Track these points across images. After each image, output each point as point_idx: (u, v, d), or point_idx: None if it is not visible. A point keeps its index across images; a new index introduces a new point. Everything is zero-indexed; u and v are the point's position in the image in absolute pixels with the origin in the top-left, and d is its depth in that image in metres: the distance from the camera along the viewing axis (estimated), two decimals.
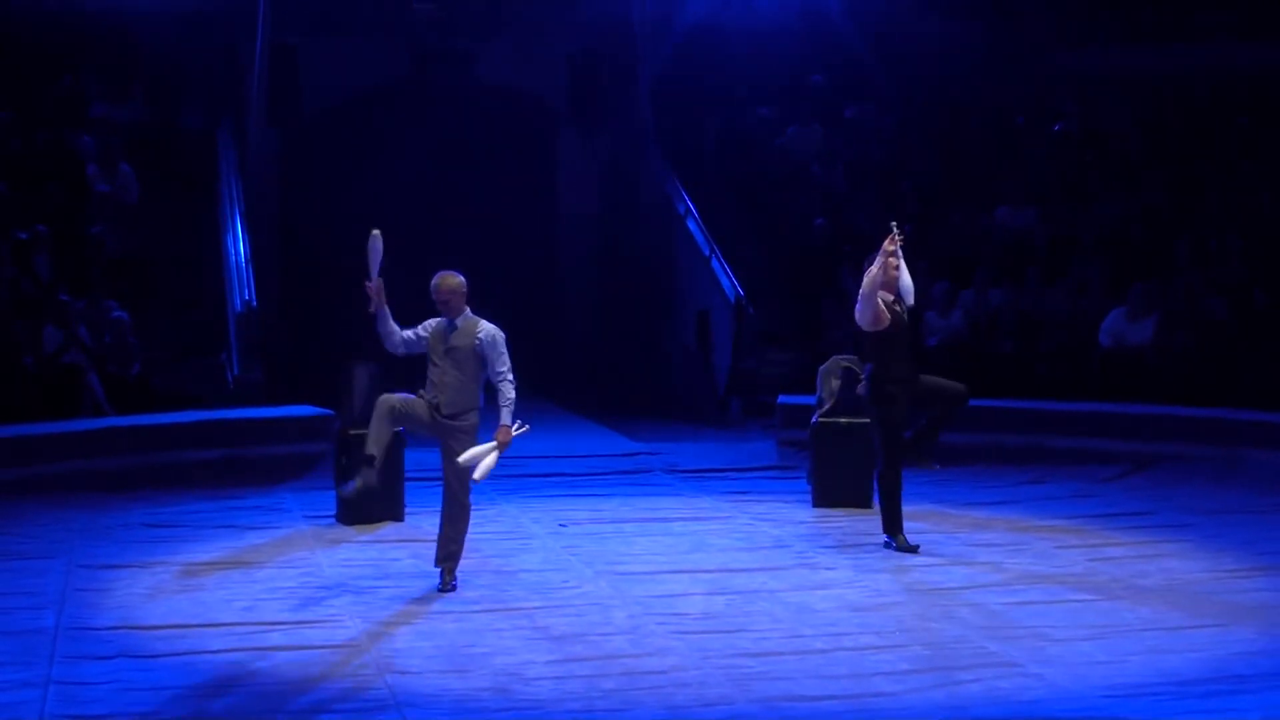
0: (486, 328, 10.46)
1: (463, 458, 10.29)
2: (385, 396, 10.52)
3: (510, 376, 10.41)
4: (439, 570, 10.63)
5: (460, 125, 22.22)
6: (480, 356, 10.40)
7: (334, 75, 21.94)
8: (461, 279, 10.58)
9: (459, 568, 10.71)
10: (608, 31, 22.27)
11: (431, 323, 10.60)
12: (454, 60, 22.29)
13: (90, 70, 20.65)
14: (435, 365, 10.47)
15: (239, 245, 18.09)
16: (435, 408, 10.41)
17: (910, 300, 11.97)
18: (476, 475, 10.31)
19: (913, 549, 11.77)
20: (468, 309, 10.53)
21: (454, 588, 10.54)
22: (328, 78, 21.90)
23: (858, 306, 11.74)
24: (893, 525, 11.91)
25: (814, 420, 13.98)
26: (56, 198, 18.28)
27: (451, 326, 10.47)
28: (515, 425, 10.40)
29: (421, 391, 10.52)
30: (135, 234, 18.52)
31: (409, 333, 10.59)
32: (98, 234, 17.90)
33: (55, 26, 20.37)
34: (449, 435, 10.42)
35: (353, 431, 13.00)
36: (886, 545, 11.90)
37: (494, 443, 10.32)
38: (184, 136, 20.57)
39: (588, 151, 23.11)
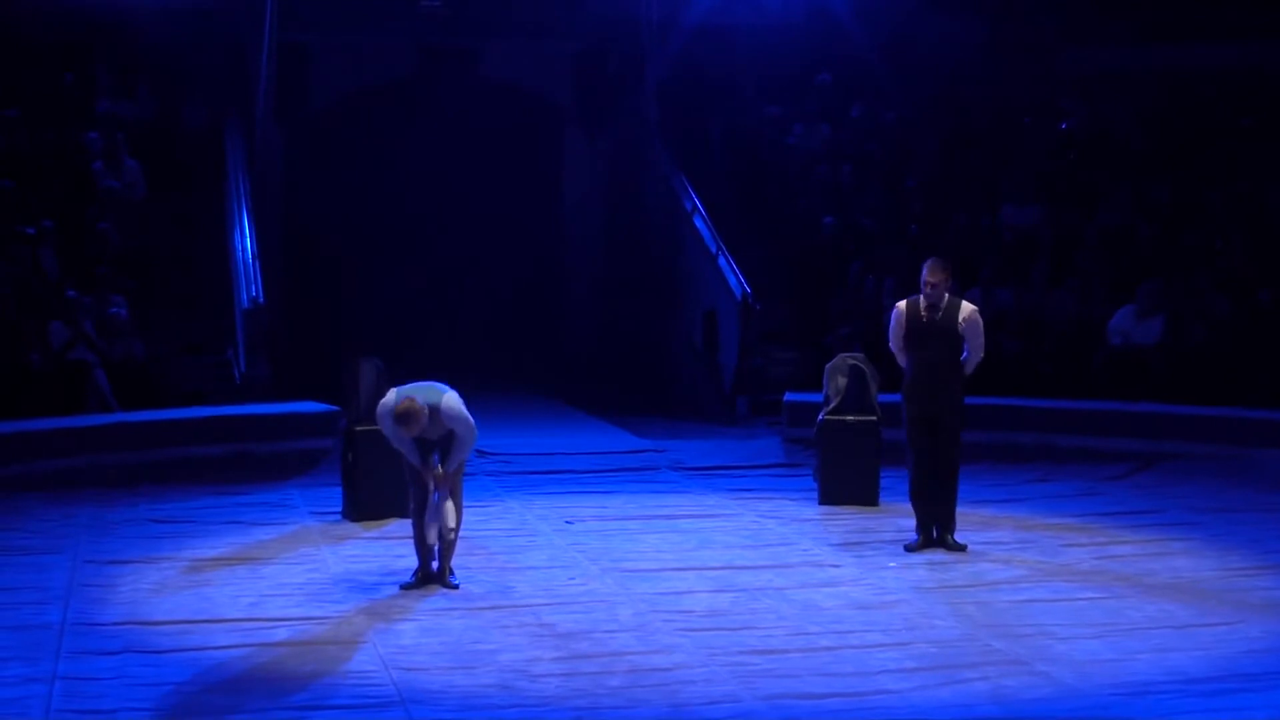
0: (452, 409, 10.28)
1: (449, 522, 10.37)
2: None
3: (474, 433, 10.40)
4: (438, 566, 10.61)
5: (466, 123, 22.24)
6: (450, 442, 10.36)
7: (340, 72, 21.98)
8: (420, 404, 10.23)
9: (464, 564, 10.68)
10: (614, 29, 22.28)
11: (392, 431, 10.35)
12: (460, 58, 22.31)
13: (97, 67, 20.66)
14: (424, 447, 10.42)
15: (245, 242, 18.10)
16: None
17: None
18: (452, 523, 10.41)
19: (914, 548, 11.78)
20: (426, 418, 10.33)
21: (455, 585, 10.51)
22: (334, 75, 21.94)
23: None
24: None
25: (820, 418, 13.96)
26: (62, 194, 18.29)
27: (424, 440, 10.39)
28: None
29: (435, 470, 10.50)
30: (142, 230, 18.53)
31: (403, 449, 10.47)
32: (104, 230, 17.91)
33: (62, 23, 20.39)
34: (446, 444, 10.43)
35: (359, 428, 13.01)
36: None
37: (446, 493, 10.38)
38: (190, 133, 20.59)
39: (593, 149, 23.14)
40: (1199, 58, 22.17)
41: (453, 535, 10.56)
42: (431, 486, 10.42)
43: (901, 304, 11.95)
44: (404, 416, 10.22)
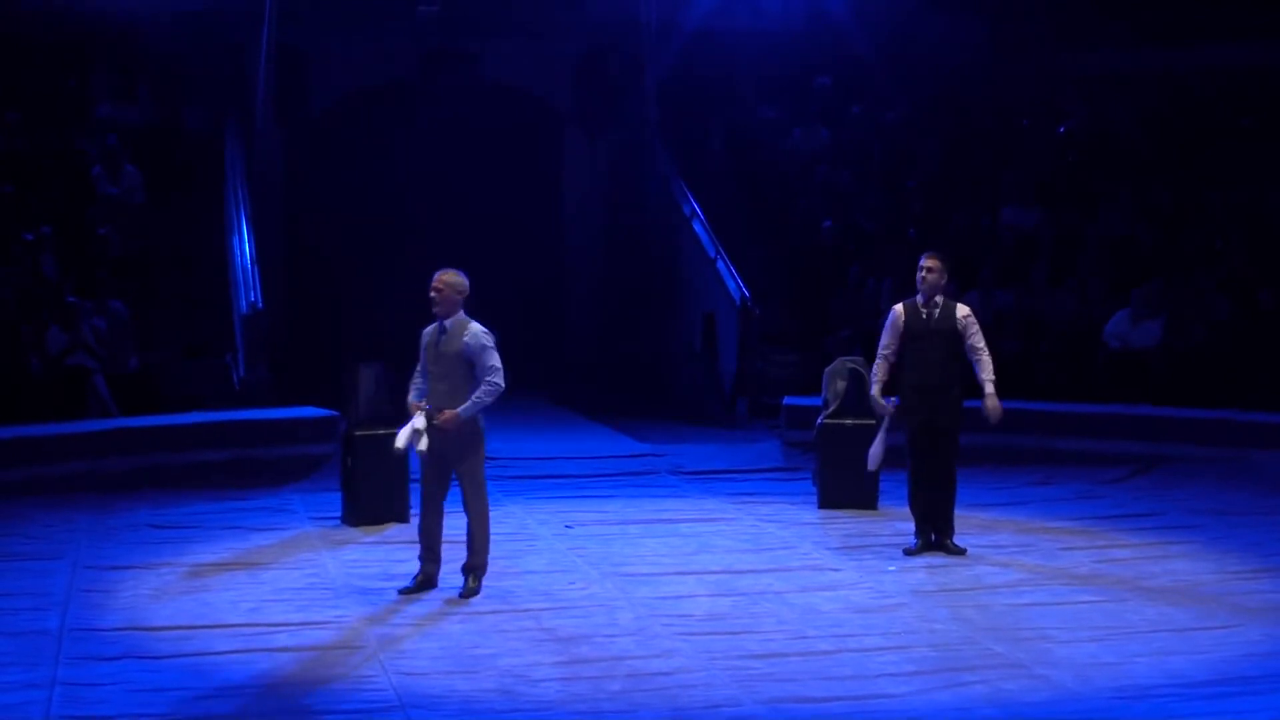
0: (474, 330, 10.27)
1: (395, 445, 10.27)
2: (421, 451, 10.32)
3: (495, 379, 10.16)
4: (463, 576, 10.52)
5: (465, 125, 22.24)
6: (468, 361, 10.23)
7: (339, 75, 21.99)
8: (462, 279, 10.37)
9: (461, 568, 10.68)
10: (614, 32, 22.29)
11: (423, 333, 10.46)
12: (459, 60, 22.31)
13: (96, 71, 20.66)
14: (430, 372, 10.37)
15: (244, 246, 18.09)
16: (431, 419, 10.28)
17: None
18: (401, 445, 10.25)
19: (913, 551, 11.78)
20: (462, 311, 10.35)
21: (477, 591, 10.46)
22: (333, 77, 21.95)
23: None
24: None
25: (819, 422, 13.96)
26: (62, 199, 18.29)
27: (441, 330, 10.31)
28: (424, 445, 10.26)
29: (415, 403, 10.38)
30: (141, 235, 18.53)
31: (418, 366, 10.48)
32: (104, 235, 17.90)
33: (62, 27, 20.40)
34: (448, 442, 10.32)
35: (358, 433, 13.01)
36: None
37: (420, 421, 10.21)
38: (190, 137, 20.60)
39: (593, 152, 23.13)
40: (1199, 58, 22.18)
41: (482, 548, 10.45)
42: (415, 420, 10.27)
43: (899, 306, 11.94)
44: (447, 274, 10.28)
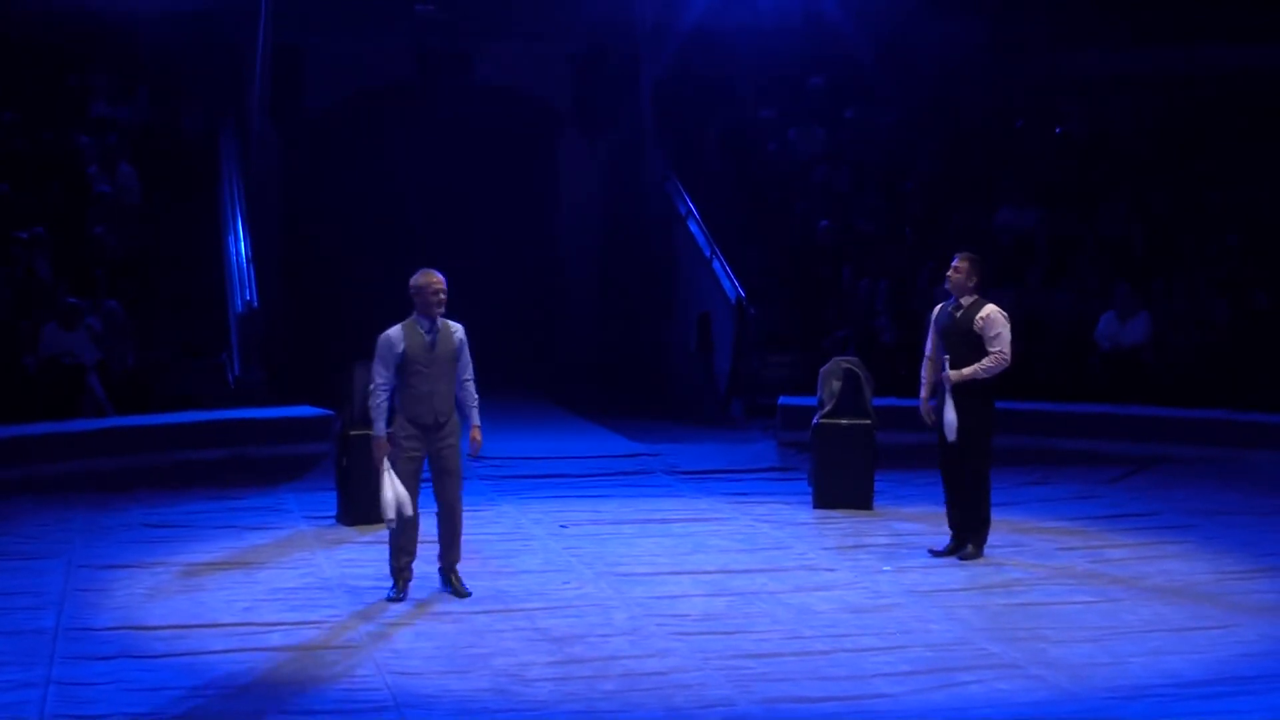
0: (459, 328, 10.39)
1: (386, 517, 10.15)
2: (409, 517, 10.25)
3: (472, 375, 10.39)
4: (445, 576, 10.51)
5: (462, 126, 22.23)
6: (457, 360, 10.30)
7: (336, 76, 21.97)
8: (444, 284, 10.35)
9: (459, 568, 10.66)
10: (610, 33, 22.29)
11: (395, 338, 10.20)
12: (456, 61, 22.29)
13: (94, 70, 20.66)
14: (422, 374, 10.18)
15: (240, 245, 18.09)
16: (428, 427, 10.23)
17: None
18: (392, 515, 10.15)
19: (940, 553, 11.73)
20: (444, 293, 10.37)
21: (465, 589, 10.44)
22: (330, 78, 21.93)
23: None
24: None
25: (814, 421, 13.96)
26: (59, 198, 18.27)
27: (432, 331, 10.24)
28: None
29: (382, 441, 10.20)
30: (137, 234, 18.51)
31: (384, 379, 10.18)
32: (99, 234, 17.89)
33: (59, 26, 20.39)
34: (441, 445, 10.30)
35: (353, 432, 13.00)
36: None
37: (388, 472, 10.15)
38: (186, 136, 20.60)
39: (590, 152, 23.13)
40: (1196, 60, 22.16)
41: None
42: (385, 464, 10.18)
43: (937, 306, 11.89)
44: (436, 277, 10.20)
